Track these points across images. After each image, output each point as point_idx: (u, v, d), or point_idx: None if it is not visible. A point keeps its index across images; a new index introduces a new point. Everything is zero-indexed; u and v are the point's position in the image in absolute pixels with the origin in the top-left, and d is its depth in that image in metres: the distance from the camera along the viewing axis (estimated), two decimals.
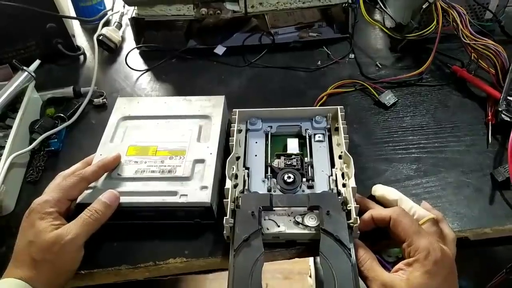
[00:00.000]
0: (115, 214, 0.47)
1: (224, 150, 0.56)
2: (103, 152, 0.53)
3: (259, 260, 0.41)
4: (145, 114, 0.58)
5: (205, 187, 0.49)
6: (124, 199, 0.48)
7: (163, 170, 0.51)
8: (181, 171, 0.51)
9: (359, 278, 0.42)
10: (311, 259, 1.23)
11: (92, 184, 0.50)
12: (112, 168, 0.51)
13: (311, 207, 0.46)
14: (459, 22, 0.62)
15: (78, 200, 0.48)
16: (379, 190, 0.49)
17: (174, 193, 0.48)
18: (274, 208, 0.47)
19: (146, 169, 0.51)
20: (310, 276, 1.24)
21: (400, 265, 0.41)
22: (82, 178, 0.48)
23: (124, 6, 0.84)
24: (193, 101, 0.60)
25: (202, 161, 0.52)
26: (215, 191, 0.50)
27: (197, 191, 0.48)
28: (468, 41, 0.61)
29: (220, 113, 0.57)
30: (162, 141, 0.54)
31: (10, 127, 0.58)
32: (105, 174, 0.51)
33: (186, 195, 0.48)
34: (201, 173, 0.50)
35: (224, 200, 0.46)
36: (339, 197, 0.47)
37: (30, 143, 0.58)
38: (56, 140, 0.61)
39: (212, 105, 0.59)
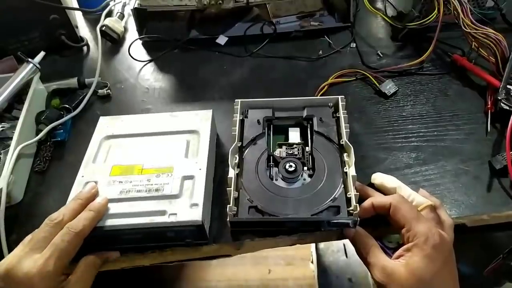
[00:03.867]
0: (97, 240, 0.45)
1: (215, 164, 0.56)
2: (85, 174, 0.50)
3: (263, 155, 0.52)
4: (129, 132, 0.56)
5: (196, 205, 0.46)
6: (108, 222, 0.45)
7: (150, 189, 0.48)
8: (169, 189, 0.48)
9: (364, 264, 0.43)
10: (313, 245, 1.24)
11: None
12: (105, 212, 0.46)
13: (307, 117, 0.55)
14: (460, 10, 0.62)
15: None
16: (378, 178, 0.50)
17: (162, 213, 0.45)
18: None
19: (131, 189, 0.48)
20: (312, 262, 1.26)
21: (400, 251, 0.42)
22: (78, 236, 0.42)
23: None
24: (179, 116, 0.57)
25: (191, 177, 0.49)
26: (206, 208, 0.48)
27: (187, 209, 0.46)
28: (469, 30, 0.61)
29: (208, 127, 0.55)
30: (148, 159, 0.51)
31: (17, 118, 0.59)
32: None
33: (176, 214, 0.45)
34: (191, 190, 0.48)
35: (227, 188, 0.47)
36: (331, 109, 0.56)
37: (37, 134, 0.59)
38: (62, 130, 0.62)
39: (199, 119, 0.56)
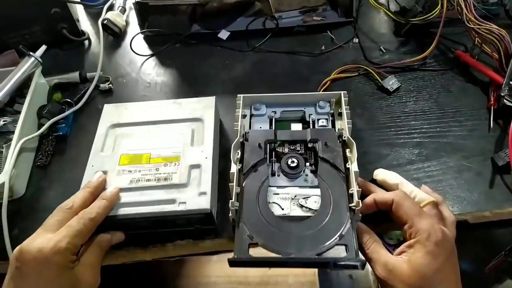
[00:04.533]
0: (111, 229, 0.47)
1: (219, 151, 0.56)
2: (95, 163, 0.51)
3: (265, 183, 0.48)
4: (135, 121, 0.56)
5: (204, 193, 0.48)
6: (120, 211, 0.47)
7: (159, 178, 0.49)
8: (177, 178, 0.49)
9: (365, 260, 0.43)
10: None
11: None
12: (116, 201, 0.47)
13: (311, 140, 0.51)
14: (463, 6, 0.61)
15: None
16: (380, 174, 0.50)
17: (172, 201, 0.47)
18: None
19: (141, 178, 0.49)
20: None
21: (402, 247, 0.42)
22: (93, 221, 0.44)
23: None
24: (183, 104, 0.58)
25: (197, 166, 0.50)
26: (213, 196, 0.49)
27: (196, 198, 0.47)
28: (472, 26, 0.61)
29: (212, 114, 0.56)
30: (155, 147, 0.52)
31: (19, 112, 0.59)
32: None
33: (185, 202, 0.47)
34: (198, 179, 0.49)
35: (229, 184, 0.47)
36: (336, 132, 0.52)
37: (39, 128, 0.59)
38: (64, 125, 0.62)
39: (203, 107, 0.57)
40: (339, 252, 0.42)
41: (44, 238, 0.41)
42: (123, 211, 0.47)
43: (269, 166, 0.50)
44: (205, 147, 0.52)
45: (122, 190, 0.48)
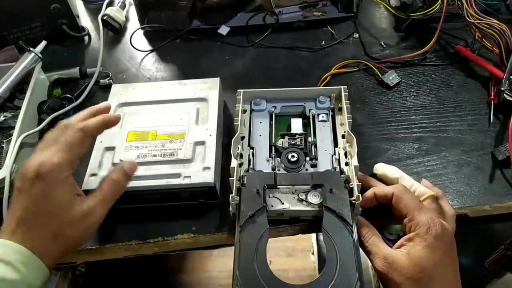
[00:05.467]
0: (121, 199, 0.46)
1: (223, 131, 0.58)
2: (104, 139, 0.53)
3: (264, 236, 0.43)
4: (142, 100, 0.59)
5: (208, 168, 0.50)
6: (129, 184, 0.47)
7: (165, 154, 0.52)
8: (182, 154, 0.51)
9: (363, 253, 0.43)
10: (313, 236, 1.25)
11: (95, 171, 0.50)
12: (114, 125, 0.47)
13: (314, 185, 0.47)
14: (464, 1, 0.61)
15: (83, 188, 0.48)
16: (380, 168, 0.50)
17: (177, 176, 0.49)
18: (278, 186, 0.48)
19: (147, 154, 0.52)
20: (313, 253, 1.27)
21: (401, 241, 0.42)
22: (86, 133, 0.43)
23: None
24: (188, 85, 0.60)
25: (202, 143, 0.52)
26: (217, 171, 0.51)
27: (200, 172, 0.49)
28: (473, 20, 0.61)
29: (216, 95, 0.58)
30: (161, 125, 0.55)
31: (19, 108, 0.59)
32: (109, 161, 0.51)
33: (190, 176, 0.49)
34: (202, 155, 0.51)
35: (229, 178, 0.47)
36: (342, 175, 0.48)
37: (39, 124, 0.59)
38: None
39: (208, 88, 0.59)
40: None
41: (40, 156, 0.41)
42: (130, 184, 0.47)
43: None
44: (209, 125, 0.54)
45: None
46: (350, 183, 0.47)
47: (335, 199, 0.45)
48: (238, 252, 0.42)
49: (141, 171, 0.50)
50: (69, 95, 0.65)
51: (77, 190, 0.43)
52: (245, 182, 0.47)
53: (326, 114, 0.56)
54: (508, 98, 0.57)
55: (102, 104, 0.48)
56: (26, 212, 0.39)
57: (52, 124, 0.61)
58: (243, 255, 0.42)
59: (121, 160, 0.51)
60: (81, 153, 0.43)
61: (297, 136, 0.53)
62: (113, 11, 0.77)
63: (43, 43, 0.65)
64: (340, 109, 0.56)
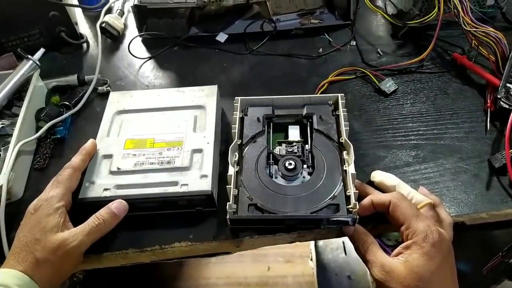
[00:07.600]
0: None
1: (221, 138, 0.58)
2: (101, 147, 0.54)
3: (263, 152, 0.52)
4: (139, 107, 0.59)
5: (205, 176, 0.50)
6: (125, 192, 0.49)
7: (162, 162, 0.52)
8: (180, 162, 0.51)
9: (363, 262, 0.44)
10: (312, 243, 1.25)
11: (92, 179, 0.51)
12: (93, 152, 0.53)
13: (306, 114, 0.56)
14: (460, 9, 0.62)
15: (80, 196, 0.49)
16: (378, 176, 0.51)
17: (174, 183, 0.49)
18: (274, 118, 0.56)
19: (145, 161, 0.52)
20: (311, 260, 1.26)
21: (399, 249, 0.42)
22: (73, 169, 0.50)
23: None
24: (186, 92, 0.60)
25: (199, 150, 0.52)
26: (214, 179, 0.51)
27: (197, 180, 0.49)
28: (469, 28, 0.61)
29: (214, 102, 0.58)
30: (159, 133, 0.55)
31: (17, 115, 0.59)
32: (107, 169, 0.52)
33: (187, 184, 0.49)
34: (200, 163, 0.51)
35: (227, 186, 0.47)
36: (330, 107, 0.56)
37: (37, 131, 0.59)
38: (62, 127, 0.62)
39: (205, 95, 0.59)
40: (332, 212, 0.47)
41: (40, 195, 0.48)
42: (127, 192, 0.49)
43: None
44: (207, 132, 0.54)
45: (127, 172, 0.51)
46: (347, 191, 0.47)
47: (324, 123, 0.55)
48: (242, 165, 0.51)
49: (138, 179, 0.50)
50: (67, 103, 0.65)
51: (66, 220, 0.47)
52: (247, 112, 0.56)
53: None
54: (505, 105, 0.58)
55: (87, 144, 0.53)
56: (21, 240, 0.45)
57: (49, 130, 0.61)
58: (246, 164, 0.51)
59: (118, 168, 0.51)
60: (72, 186, 0.49)
61: (294, 143, 0.54)
62: (112, 19, 0.77)
63: (41, 50, 0.65)
64: (337, 116, 0.56)
